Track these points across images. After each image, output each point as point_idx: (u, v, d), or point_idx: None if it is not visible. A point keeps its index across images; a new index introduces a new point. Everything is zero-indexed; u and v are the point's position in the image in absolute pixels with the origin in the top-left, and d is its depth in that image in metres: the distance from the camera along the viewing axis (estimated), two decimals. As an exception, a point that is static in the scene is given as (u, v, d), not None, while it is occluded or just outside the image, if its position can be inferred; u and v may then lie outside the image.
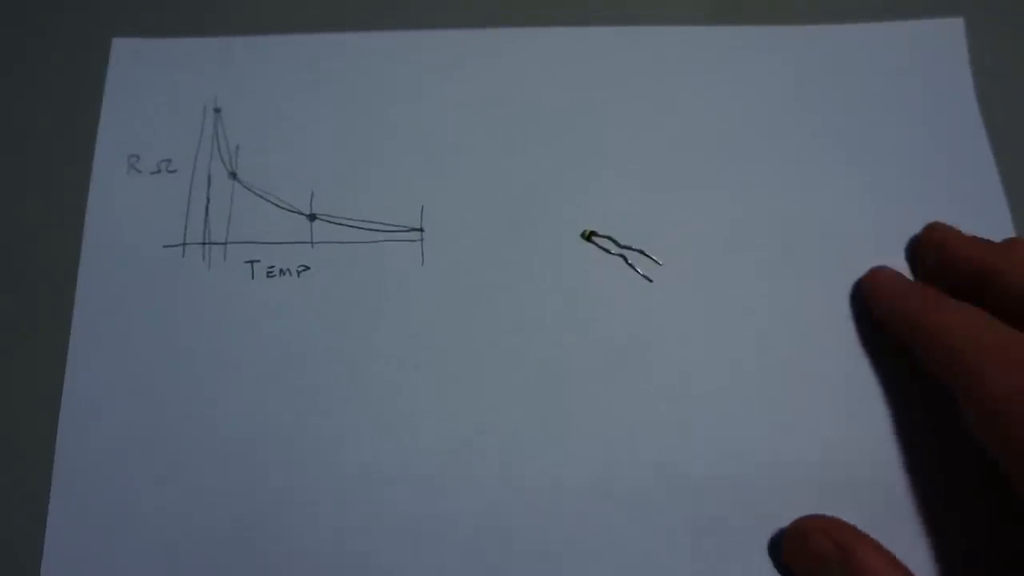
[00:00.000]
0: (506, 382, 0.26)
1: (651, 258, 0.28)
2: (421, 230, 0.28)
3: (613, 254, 0.28)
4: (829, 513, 0.24)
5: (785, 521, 0.24)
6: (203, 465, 0.25)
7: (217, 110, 0.30)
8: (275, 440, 0.26)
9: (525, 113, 0.30)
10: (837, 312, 0.27)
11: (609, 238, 0.28)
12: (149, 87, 0.30)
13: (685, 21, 0.31)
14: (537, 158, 0.29)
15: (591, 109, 0.30)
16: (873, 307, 0.27)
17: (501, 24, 0.31)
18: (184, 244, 0.28)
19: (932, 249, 0.27)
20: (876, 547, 0.22)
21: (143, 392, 0.26)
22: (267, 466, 0.25)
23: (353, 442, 0.26)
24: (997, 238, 0.27)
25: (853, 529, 0.23)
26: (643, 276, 0.27)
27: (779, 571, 0.24)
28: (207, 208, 0.28)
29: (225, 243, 0.28)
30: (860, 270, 0.28)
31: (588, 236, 0.28)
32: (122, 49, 0.31)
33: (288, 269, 0.28)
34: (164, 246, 0.28)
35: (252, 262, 0.28)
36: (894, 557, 0.22)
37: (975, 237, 0.26)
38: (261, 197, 0.29)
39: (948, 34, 0.31)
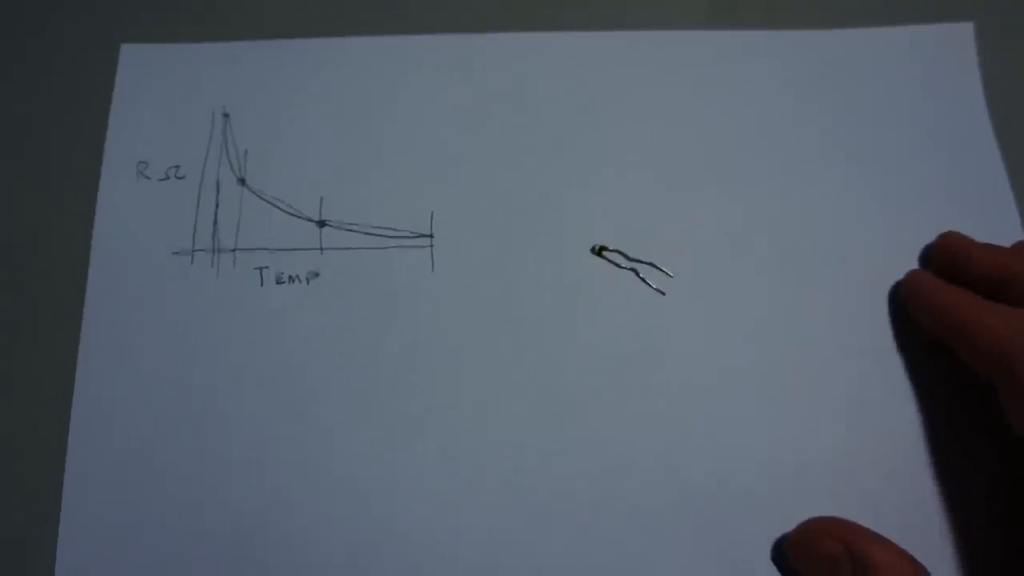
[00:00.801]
0: (514, 390, 0.26)
1: (662, 270, 0.28)
2: (431, 236, 0.28)
3: (624, 268, 0.28)
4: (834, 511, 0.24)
5: (792, 526, 0.24)
6: (211, 470, 0.25)
7: (226, 115, 0.30)
8: (283, 446, 0.26)
9: (530, 117, 0.30)
10: (845, 318, 0.27)
11: (619, 252, 0.28)
12: (157, 93, 0.30)
13: (684, 23, 0.31)
14: (544, 163, 0.29)
15: (596, 114, 0.30)
16: (914, 307, 0.27)
17: (503, 29, 0.31)
18: (193, 251, 0.28)
19: (947, 256, 0.27)
20: (884, 543, 0.22)
21: (152, 397, 0.26)
22: (275, 472, 0.25)
23: (362, 448, 0.26)
24: (1007, 242, 0.27)
25: (859, 527, 0.23)
26: (656, 290, 0.27)
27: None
28: (216, 214, 0.28)
29: (234, 250, 0.28)
30: (868, 276, 0.28)
31: (598, 251, 0.28)
32: (130, 55, 0.31)
33: (297, 276, 0.27)
34: (173, 253, 0.28)
35: (261, 269, 0.28)
36: (903, 550, 0.22)
37: (988, 244, 0.26)
38: (270, 203, 0.29)
39: (957, 39, 0.31)
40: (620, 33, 0.31)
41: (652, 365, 0.27)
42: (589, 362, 0.27)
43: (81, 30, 0.31)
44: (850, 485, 0.25)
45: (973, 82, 0.30)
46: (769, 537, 0.25)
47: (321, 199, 0.28)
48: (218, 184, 0.29)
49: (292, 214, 0.28)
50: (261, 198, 0.29)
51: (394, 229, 0.28)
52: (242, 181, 0.29)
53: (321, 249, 0.28)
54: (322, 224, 0.28)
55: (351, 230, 0.28)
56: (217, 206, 0.28)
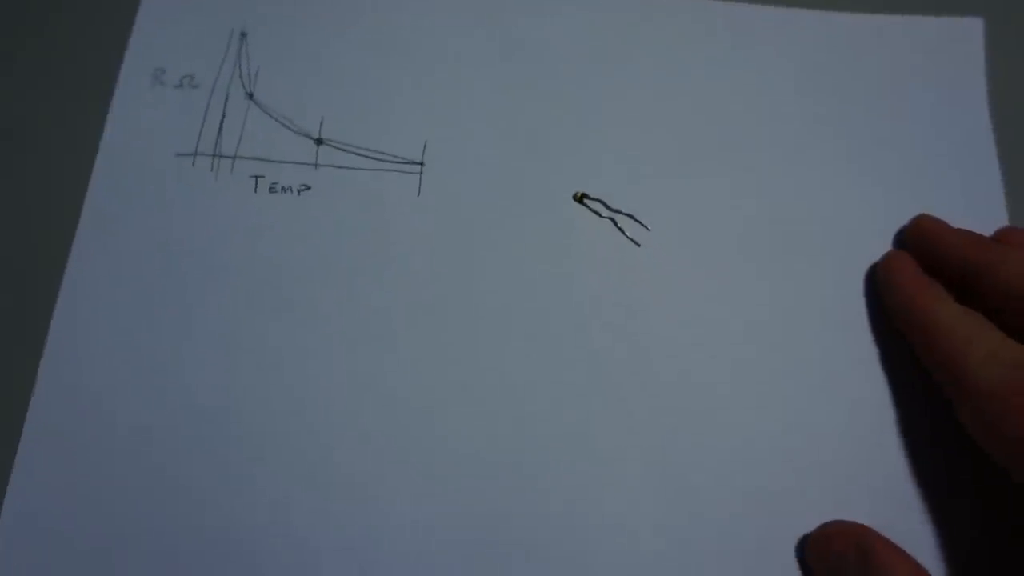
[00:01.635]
0: (484, 316, 0.27)
1: (640, 223, 0.28)
2: (422, 164, 0.29)
3: (603, 217, 0.28)
4: (830, 514, 0.25)
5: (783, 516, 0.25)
6: (185, 363, 0.27)
7: (243, 35, 0.31)
8: (258, 348, 0.27)
9: (536, 66, 0.31)
10: (830, 298, 0.28)
11: (600, 201, 0.28)
12: (182, 6, 0.32)
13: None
14: (542, 112, 0.30)
15: (599, 69, 0.31)
16: (882, 295, 0.27)
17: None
18: (196, 154, 0.29)
19: (919, 240, 0.27)
20: (892, 546, 0.23)
21: (140, 287, 0.28)
22: (250, 371, 0.26)
23: (336, 355, 0.27)
24: (990, 233, 0.27)
25: (872, 531, 0.23)
26: (631, 240, 0.28)
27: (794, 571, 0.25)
28: (221, 123, 0.30)
29: (234, 157, 0.29)
30: (852, 257, 0.28)
31: (580, 198, 0.28)
32: (160, -32, 0.32)
33: (290, 187, 0.29)
34: (176, 154, 0.29)
35: (257, 177, 0.29)
36: (909, 555, 0.22)
37: (963, 230, 0.27)
38: (273, 118, 0.30)
39: (966, 33, 0.31)
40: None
41: (625, 313, 0.27)
42: (561, 305, 0.27)
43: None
44: (850, 474, 0.26)
45: (977, 78, 0.31)
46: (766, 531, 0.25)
47: (322, 119, 0.30)
48: (228, 95, 0.30)
49: (292, 129, 0.30)
50: (266, 112, 0.30)
51: (387, 154, 0.29)
52: (250, 95, 0.30)
53: (316, 165, 0.29)
54: (319, 142, 0.29)
55: (346, 150, 0.29)
56: (224, 116, 0.30)
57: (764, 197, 0.29)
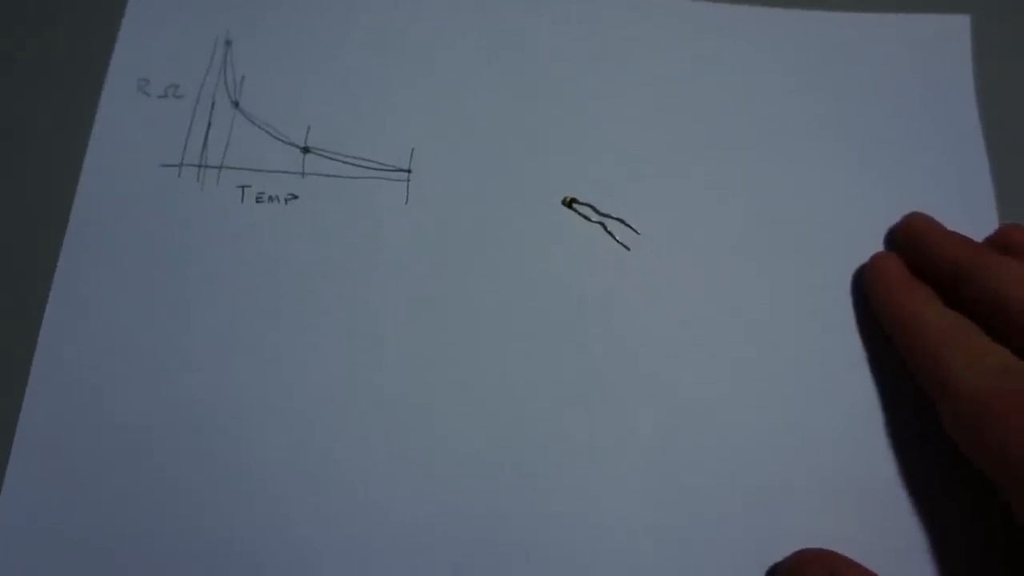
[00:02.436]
0: (473, 322, 0.27)
1: (630, 227, 0.28)
2: (409, 171, 0.29)
3: (592, 221, 0.28)
4: (826, 515, 0.25)
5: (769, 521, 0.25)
6: (177, 368, 0.26)
7: (228, 43, 0.31)
8: (248, 357, 0.27)
9: (525, 71, 0.30)
10: (822, 297, 0.27)
11: (589, 205, 0.28)
12: (166, 16, 0.31)
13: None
14: (530, 117, 0.30)
15: (590, 72, 0.30)
16: (869, 297, 0.27)
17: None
18: (181, 165, 0.29)
19: (910, 239, 0.27)
20: (865, 572, 0.22)
21: (127, 297, 0.27)
22: (240, 380, 0.26)
23: (325, 364, 0.27)
24: (981, 232, 0.27)
25: (844, 558, 0.23)
26: (621, 244, 0.28)
27: None
28: (207, 133, 0.29)
29: (220, 167, 0.29)
30: (844, 256, 0.28)
31: (569, 203, 0.28)
32: (144, -22, 0.32)
33: (277, 196, 0.29)
34: (161, 165, 0.29)
35: (243, 187, 0.29)
36: None
37: (954, 233, 0.27)
38: (259, 127, 0.30)
39: (953, 31, 0.31)
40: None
41: (618, 315, 0.27)
42: (548, 311, 0.27)
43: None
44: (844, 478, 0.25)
45: (965, 75, 0.30)
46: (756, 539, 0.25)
47: (308, 127, 0.29)
48: (213, 104, 0.30)
49: (279, 139, 0.29)
50: (252, 121, 0.30)
51: (375, 161, 0.29)
52: (236, 104, 0.30)
53: (303, 173, 0.29)
54: (306, 150, 0.29)
55: (333, 158, 0.29)
56: (209, 125, 0.30)
57: (755, 197, 0.29)
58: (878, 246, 0.28)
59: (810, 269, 0.28)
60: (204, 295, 0.27)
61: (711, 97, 0.30)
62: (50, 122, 0.30)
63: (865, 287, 0.27)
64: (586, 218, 0.28)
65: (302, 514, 0.25)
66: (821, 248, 0.28)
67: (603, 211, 0.28)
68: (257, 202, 0.29)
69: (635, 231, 0.28)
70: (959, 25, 0.31)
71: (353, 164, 0.29)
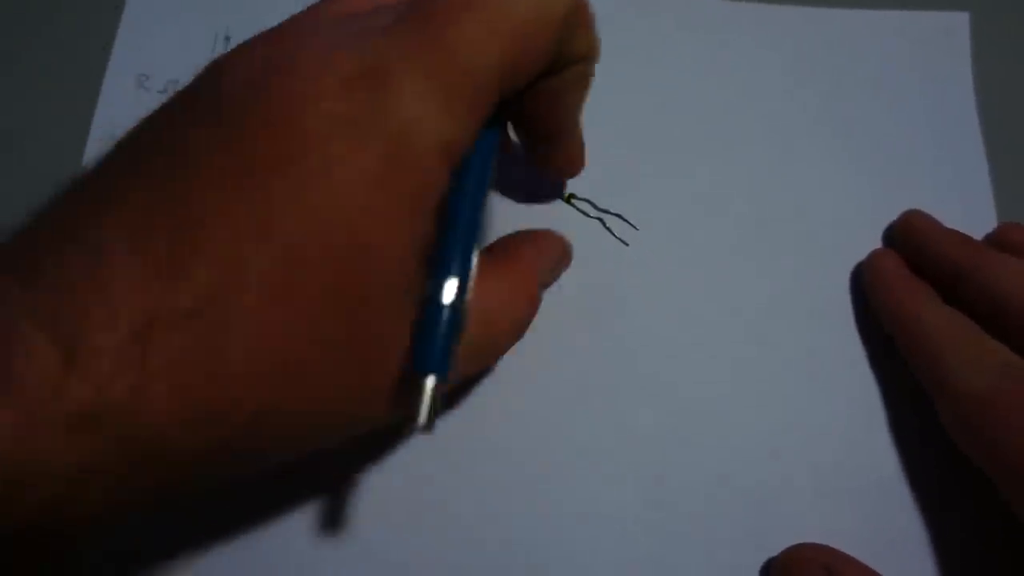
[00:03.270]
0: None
1: (628, 222, 0.28)
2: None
3: (591, 216, 0.28)
4: (825, 514, 0.25)
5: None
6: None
7: (227, 39, 0.31)
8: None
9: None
10: (822, 294, 0.28)
11: (588, 201, 0.28)
12: (166, 12, 0.31)
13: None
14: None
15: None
16: (868, 295, 0.27)
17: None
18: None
19: (908, 237, 0.27)
20: (862, 568, 0.23)
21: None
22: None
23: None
24: (979, 230, 0.27)
25: (840, 553, 0.23)
26: (619, 240, 0.28)
27: None
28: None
29: (219, 163, 0.29)
30: (843, 253, 0.28)
31: (568, 199, 0.28)
32: (143, -27, 0.32)
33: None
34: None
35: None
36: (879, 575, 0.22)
37: (954, 231, 0.27)
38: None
39: (952, 28, 0.31)
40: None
41: (616, 312, 0.27)
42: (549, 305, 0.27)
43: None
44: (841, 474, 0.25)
45: (964, 72, 0.31)
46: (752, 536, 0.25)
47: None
48: (212, 102, 0.30)
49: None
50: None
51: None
52: (234, 101, 0.30)
53: None
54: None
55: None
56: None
57: (754, 194, 0.29)
58: (877, 244, 0.28)
59: (809, 267, 0.28)
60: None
61: (710, 94, 0.30)
62: (50, 118, 0.30)
63: (864, 285, 0.27)
64: (584, 213, 0.28)
65: (298, 512, 0.25)
66: (820, 246, 0.28)
67: (601, 207, 0.28)
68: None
69: (634, 227, 0.28)
70: (958, 22, 0.31)
71: None
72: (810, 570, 0.23)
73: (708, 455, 0.26)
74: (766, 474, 0.25)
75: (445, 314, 0.18)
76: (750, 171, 0.29)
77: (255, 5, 0.31)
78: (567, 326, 0.27)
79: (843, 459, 0.25)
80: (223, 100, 0.17)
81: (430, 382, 0.17)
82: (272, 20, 0.31)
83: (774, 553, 0.24)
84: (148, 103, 0.29)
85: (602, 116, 0.30)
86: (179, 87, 0.30)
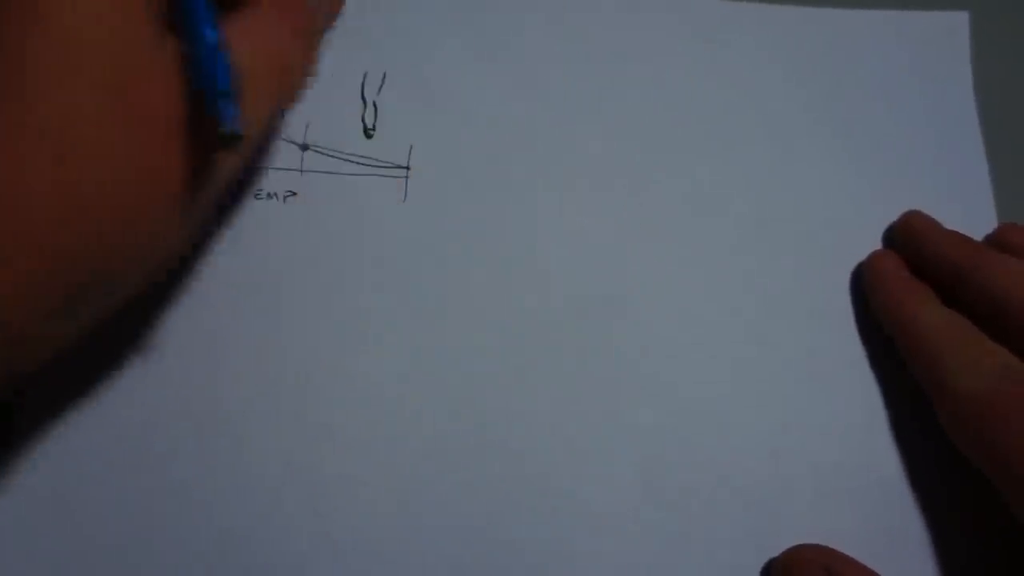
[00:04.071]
0: (470, 319, 0.27)
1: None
2: (407, 168, 0.29)
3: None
4: (825, 514, 0.25)
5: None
6: (174, 365, 0.26)
7: (227, 40, 0.31)
8: (244, 353, 0.27)
9: (523, 67, 0.30)
10: (816, 293, 0.28)
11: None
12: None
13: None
14: (530, 114, 0.30)
15: (588, 69, 0.30)
16: (868, 296, 0.27)
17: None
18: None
19: (908, 238, 0.27)
20: (862, 569, 0.23)
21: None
22: (236, 376, 0.26)
23: (323, 360, 0.27)
24: (979, 230, 0.27)
25: (840, 554, 0.23)
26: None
27: None
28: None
29: (219, 164, 0.29)
30: (842, 253, 0.28)
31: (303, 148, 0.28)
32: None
33: (276, 193, 0.29)
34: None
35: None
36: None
37: (953, 232, 0.27)
38: (258, 124, 0.30)
39: (952, 28, 0.31)
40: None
41: (615, 313, 0.27)
42: (546, 307, 0.27)
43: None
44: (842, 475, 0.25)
45: (964, 72, 0.31)
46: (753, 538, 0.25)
47: (307, 124, 0.29)
48: (212, 102, 0.30)
49: (279, 137, 0.29)
50: (251, 118, 0.30)
51: (373, 158, 0.29)
52: (235, 102, 0.30)
53: (301, 171, 0.29)
54: (305, 147, 0.29)
55: (332, 155, 0.29)
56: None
57: (753, 195, 0.29)
58: (876, 244, 0.28)
59: (809, 267, 0.28)
60: (202, 291, 0.27)
61: (709, 94, 0.30)
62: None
63: (864, 286, 0.27)
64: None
65: (298, 513, 0.25)
66: (820, 246, 0.28)
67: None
68: (256, 199, 0.28)
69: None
70: (958, 22, 0.31)
71: (352, 161, 0.29)
72: (810, 571, 0.23)
73: (708, 455, 0.26)
74: (766, 474, 0.25)
75: (208, 36, 0.18)
76: (750, 171, 0.29)
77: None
78: (567, 326, 0.27)
79: (843, 459, 0.25)
80: None
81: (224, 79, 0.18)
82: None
83: (774, 553, 0.24)
84: (147, 104, 0.30)
85: (602, 116, 0.30)
86: None
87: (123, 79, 0.18)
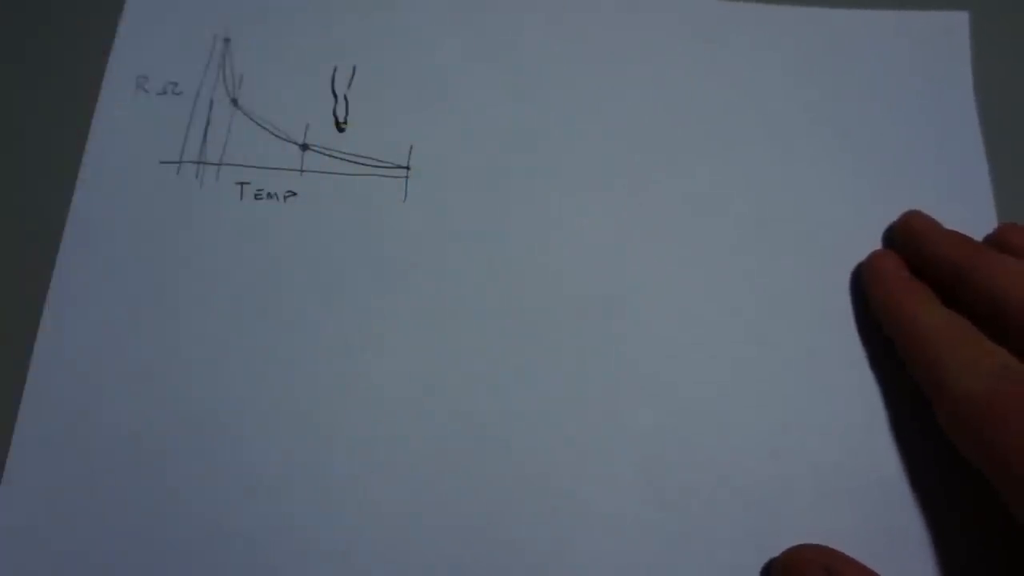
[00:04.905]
0: (470, 319, 0.27)
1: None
2: (408, 168, 0.29)
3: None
4: (825, 515, 0.25)
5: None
6: (175, 366, 0.26)
7: (227, 40, 0.31)
8: (246, 354, 0.27)
9: (524, 67, 0.30)
10: (816, 293, 0.27)
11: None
12: (165, 13, 0.31)
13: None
14: (530, 114, 0.30)
15: (588, 69, 0.30)
16: (867, 296, 0.27)
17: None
18: (180, 162, 0.29)
19: (909, 240, 0.27)
20: (862, 569, 0.22)
21: (126, 294, 0.27)
22: (238, 377, 0.26)
23: (324, 360, 0.27)
24: (979, 230, 0.27)
25: (840, 554, 0.23)
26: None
27: None
28: (206, 130, 0.30)
29: (219, 164, 0.29)
30: (842, 253, 0.28)
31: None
32: (143, -26, 0.32)
33: (276, 193, 0.29)
34: (160, 162, 0.29)
35: (242, 184, 0.29)
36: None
37: (954, 232, 0.27)
38: (258, 124, 0.30)
39: (952, 28, 0.31)
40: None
41: (615, 313, 0.27)
42: (548, 306, 0.27)
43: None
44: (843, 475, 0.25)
45: (964, 72, 0.31)
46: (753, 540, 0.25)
47: (307, 124, 0.30)
48: (212, 102, 0.30)
49: (277, 135, 0.29)
50: (251, 119, 0.30)
51: (373, 158, 0.29)
52: (234, 102, 0.30)
53: (301, 171, 0.29)
54: (305, 147, 0.29)
55: (332, 155, 0.29)
56: (208, 123, 0.30)
57: (753, 195, 0.29)
58: (876, 244, 0.28)
59: (809, 267, 0.28)
60: (203, 292, 0.27)
61: (709, 94, 0.30)
62: (48, 119, 0.30)
63: (863, 286, 0.27)
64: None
65: (300, 514, 0.25)
66: (820, 246, 0.28)
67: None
68: (256, 199, 0.29)
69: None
70: (958, 22, 0.31)
71: (352, 161, 0.29)
72: (810, 571, 0.23)
73: (708, 455, 0.26)
74: (766, 474, 0.25)
75: None
76: (750, 171, 0.29)
77: (255, 6, 0.31)
78: (567, 326, 0.27)
79: (843, 459, 0.25)
80: None
81: None
82: (272, 21, 0.31)
83: (774, 553, 0.24)
84: (147, 104, 0.30)
85: (602, 116, 0.30)
86: (178, 88, 0.30)
87: None
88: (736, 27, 0.31)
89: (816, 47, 0.31)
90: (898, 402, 0.26)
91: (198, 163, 0.29)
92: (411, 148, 0.29)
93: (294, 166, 0.29)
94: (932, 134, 0.30)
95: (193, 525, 0.25)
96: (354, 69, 0.30)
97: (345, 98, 0.30)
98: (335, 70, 0.30)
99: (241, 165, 0.29)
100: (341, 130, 0.29)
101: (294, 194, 0.29)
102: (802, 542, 0.24)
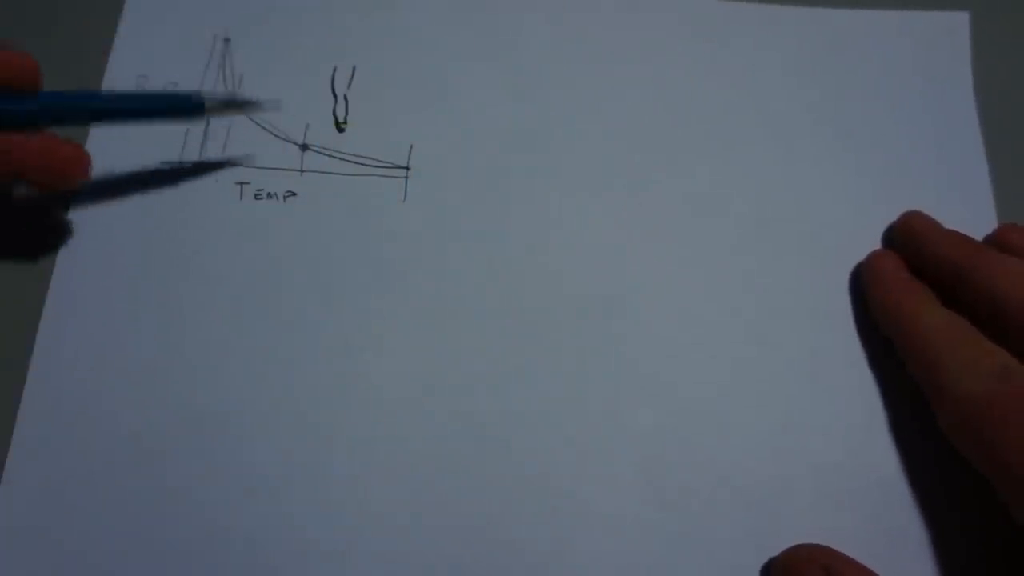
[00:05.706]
0: (470, 319, 0.27)
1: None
2: (408, 168, 0.29)
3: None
4: (825, 515, 0.25)
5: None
6: (175, 366, 0.27)
7: (226, 40, 0.31)
8: (246, 353, 0.27)
9: (524, 67, 0.31)
10: (816, 293, 0.27)
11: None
12: (165, 13, 0.31)
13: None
14: (530, 114, 0.30)
15: (588, 69, 0.31)
16: (866, 296, 0.27)
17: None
18: (180, 162, 0.29)
19: (909, 240, 0.27)
20: (861, 568, 0.22)
21: (126, 294, 0.27)
22: (238, 377, 0.26)
23: (324, 360, 0.27)
24: (979, 230, 0.27)
25: (839, 554, 0.23)
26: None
27: None
28: (206, 130, 0.30)
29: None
30: (842, 253, 0.28)
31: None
32: (143, -25, 0.32)
33: (275, 193, 0.29)
34: (160, 161, 0.29)
35: (242, 184, 0.29)
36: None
37: (954, 232, 0.27)
38: (258, 124, 0.30)
39: (952, 28, 0.31)
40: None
41: (615, 313, 0.27)
42: (547, 306, 0.27)
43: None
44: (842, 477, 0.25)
45: (964, 72, 0.31)
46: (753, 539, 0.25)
47: (307, 124, 0.30)
48: (212, 102, 0.30)
49: (277, 135, 0.29)
50: (250, 119, 0.30)
51: (373, 158, 0.29)
52: (234, 102, 0.30)
53: (301, 171, 0.29)
54: (305, 148, 0.29)
55: (332, 156, 0.29)
56: (208, 122, 0.30)
57: (754, 195, 0.29)
58: (876, 244, 0.28)
59: (809, 267, 0.28)
60: (203, 292, 0.27)
61: (709, 94, 0.30)
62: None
63: (863, 286, 0.27)
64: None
65: (300, 514, 0.25)
66: (820, 246, 0.28)
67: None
68: (256, 199, 0.29)
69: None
70: (958, 22, 0.31)
71: (351, 161, 0.29)
72: (810, 570, 0.23)
73: (708, 455, 0.26)
74: (766, 474, 0.25)
75: None
76: (750, 171, 0.29)
77: (255, 6, 0.31)
78: (567, 326, 0.27)
79: (843, 459, 0.25)
80: None
81: None
82: (272, 21, 0.31)
83: (774, 553, 0.24)
84: (148, 104, 0.30)
85: (602, 116, 0.30)
86: (178, 88, 0.30)
87: None
88: (736, 27, 0.31)
89: (817, 47, 0.31)
90: (898, 402, 0.26)
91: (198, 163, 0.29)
92: (411, 148, 0.29)
93: (294, 166, 0.29)
94: (932, 134, 0.30)
95: (193, 525, 0.25)
96: (354, 69, 0.30)
97: (345, 98, 0.30)
98: (335, 70, 0.30)
99: (241, 165, 0.29)
100: (341, 130, 0.29)
101: (294, 194, 0.29)
102: (802, 542, 0.24)
